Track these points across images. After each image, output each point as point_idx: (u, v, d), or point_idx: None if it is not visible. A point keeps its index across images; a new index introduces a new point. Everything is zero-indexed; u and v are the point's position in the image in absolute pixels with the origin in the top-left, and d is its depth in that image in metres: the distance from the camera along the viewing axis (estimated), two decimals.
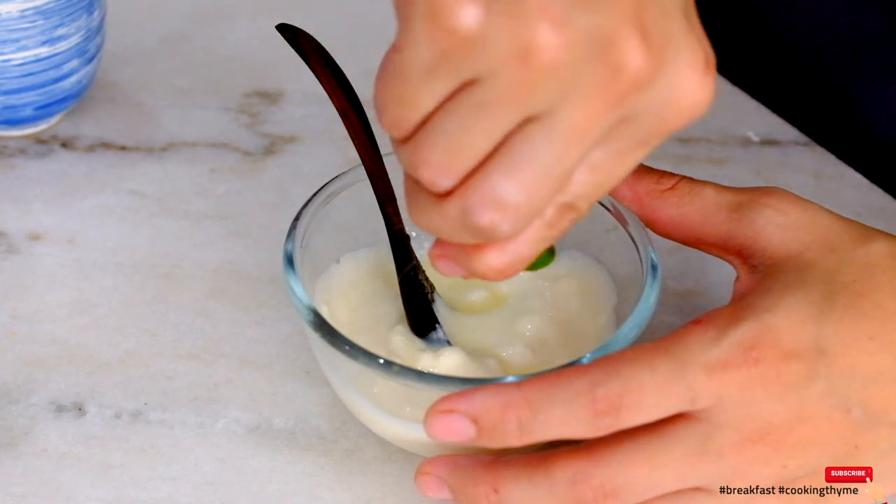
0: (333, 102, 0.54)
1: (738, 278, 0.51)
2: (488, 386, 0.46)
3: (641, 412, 0.45)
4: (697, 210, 0.52)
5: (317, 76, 0.54)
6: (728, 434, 0.45)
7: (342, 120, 0.54)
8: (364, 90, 0.57)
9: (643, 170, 0.53)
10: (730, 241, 0.51)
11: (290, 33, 0.54)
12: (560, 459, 0.46)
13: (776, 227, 0.50)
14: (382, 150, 0.55)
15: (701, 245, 0.53)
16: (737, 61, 0.81)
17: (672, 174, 0.53)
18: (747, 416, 0.45)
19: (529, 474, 0.46)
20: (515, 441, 0.46)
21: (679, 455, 0.46)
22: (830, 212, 0.51)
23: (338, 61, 0.54)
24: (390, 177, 0.55)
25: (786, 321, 0.46)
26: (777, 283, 0.48)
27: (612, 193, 0.54)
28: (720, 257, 0.52)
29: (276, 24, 0.55)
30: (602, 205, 0.56)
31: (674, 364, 0.45)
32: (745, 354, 0.45)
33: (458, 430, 0.46)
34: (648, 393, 0.45)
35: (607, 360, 0.46)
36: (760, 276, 0.49)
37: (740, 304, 0.47)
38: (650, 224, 0.53)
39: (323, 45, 0.54)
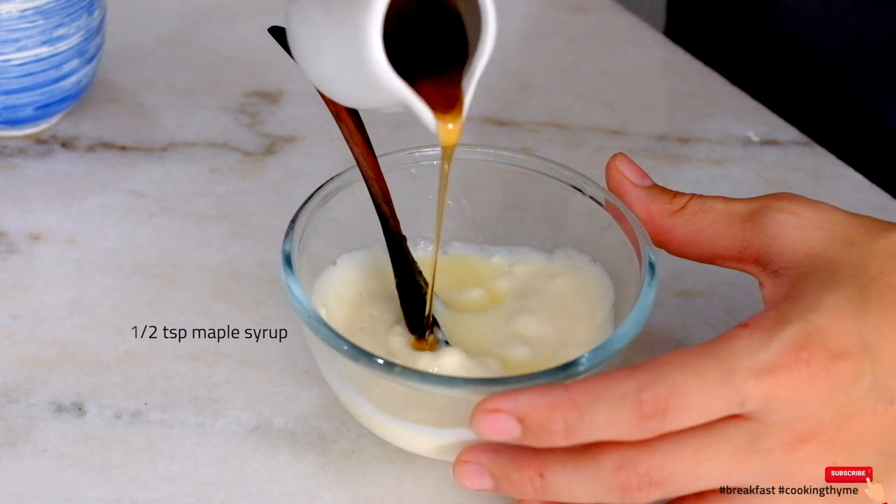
0: (328, 105, 0.54)
1: (762, 285, 0.51)
2: (534, 387, 0.47)
3: (688, 416, 0.45)
4: (710, 225, 0.52)
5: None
6: (778, 434, 0.46)
7: (337, 122, 0.54)
8: None
9: (657, 190, 0.54)
10: (746, 250, 0.51)
11: (281, 36, 0.54)
12: (607, 446, 0.46)
13: (791, 229, 0.50)
14: (378, 152, 0.55)
15: (717, 260, 0.53)
16: (737, 61, 0.81)
17: (682, 193, 0.53)
18: (797, 416, 0.46)
19: (576, 460, 0.47)
20: (561, 441, 0.46)
21: (727, 451, 0.46)
22: (841, 209, 0.51)
23: None
24: (386, 178, 0.55)
25: (830, 320, 0.46)
26: (810, 284, 0.48)
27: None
28: (738, 269, 0.52)
29: (269, 26, 0.55)
30: (597, 202, 0.56)
31: (721, 368, 0.45)
32: (796, 356, 0.46)
33: (504, 428, 0.46)
34: (695, 397, 0.45)
35: (654, 363, 0.46)
36: (787, 278, 0.49)
37: (783, 307, 0.47)
38: (664, 245, 0.54)
39: None
